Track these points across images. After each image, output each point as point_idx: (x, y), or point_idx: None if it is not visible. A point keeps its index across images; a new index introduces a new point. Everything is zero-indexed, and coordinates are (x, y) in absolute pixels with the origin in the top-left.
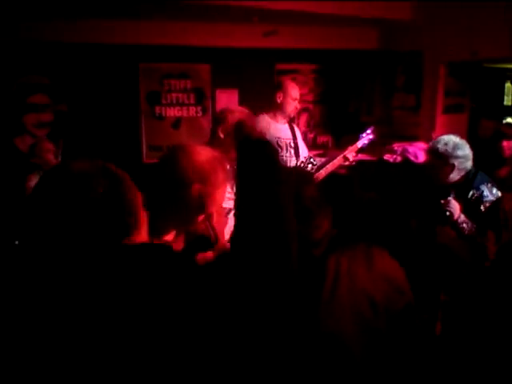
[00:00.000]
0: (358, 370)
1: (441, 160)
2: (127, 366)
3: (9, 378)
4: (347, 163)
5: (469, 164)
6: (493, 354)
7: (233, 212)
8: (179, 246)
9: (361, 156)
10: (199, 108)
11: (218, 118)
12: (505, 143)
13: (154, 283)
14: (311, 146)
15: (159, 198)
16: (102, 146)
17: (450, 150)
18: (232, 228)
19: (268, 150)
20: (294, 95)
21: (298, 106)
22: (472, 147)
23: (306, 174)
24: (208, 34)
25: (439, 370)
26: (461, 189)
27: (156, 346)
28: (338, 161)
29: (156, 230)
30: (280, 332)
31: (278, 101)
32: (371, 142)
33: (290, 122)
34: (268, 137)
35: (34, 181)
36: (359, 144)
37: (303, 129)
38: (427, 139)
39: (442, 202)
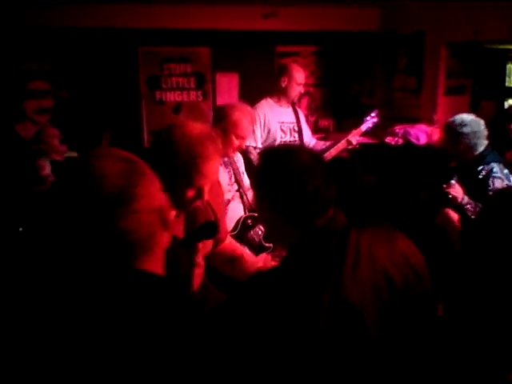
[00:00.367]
0: (372, 346)
1: (449, 136)
2: None
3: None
4: (351, 147)
5: (480, 141)
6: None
7: (230, 203)
8: (179, 227)
9: (362, 139)
10: (199, 92)
11: (218, 116)
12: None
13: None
14: (313, 129)
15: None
16: (103, 131)
17: (457, 126)
18: (230, 218)
19: None
20: (299, 80)
21: (302, 91)
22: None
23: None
24: (207, 17)
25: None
26: (472, 166)
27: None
28: (341, 144)
29: None
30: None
31: (283, 85)
32: (375, 125)
33: (293, 105)
34: (271, 121)
35: (47, 167)
36: (363, 127)
37: (304, 112)
38: (429, 121)
39: (445, 186)
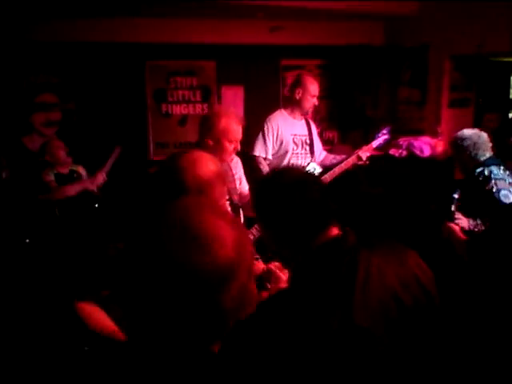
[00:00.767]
0: (382, 368)
1: (453, 150)
2: None
3: None
4: (361, 162)
5: (481, 152)
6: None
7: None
8: None
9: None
10: (205, 105)
11: (205, 127)
12: None
13: None
14: None
15: (159, 202)
16: (110, 144)
17: (457, 140)
18: None
19: None
20: (313, 92)
21: (316, 103)
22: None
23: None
24: (213, 31)
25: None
26: (472, 170)
27: None
28: (351, 159)
29: None
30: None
31: (297, 97)
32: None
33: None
34: (284, 133)
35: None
36: (374, 144)
37: None
38: (432, 133)
39: (447, 224)
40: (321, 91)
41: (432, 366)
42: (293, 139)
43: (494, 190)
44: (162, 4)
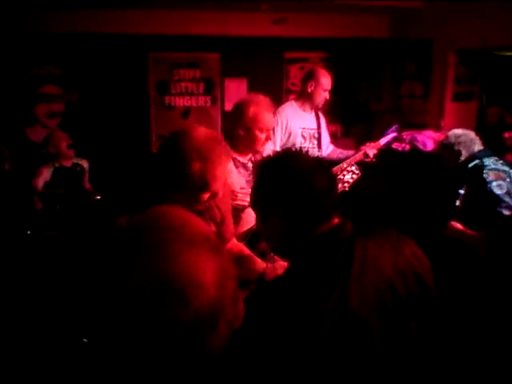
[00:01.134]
0: (376, 355)
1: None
2: None
3: None
4: (368, 159)
5: (467, 149)
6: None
7: (248, 209)
8: None
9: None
10: (208, 98)
11: (235, 115)
12: (507, 134)
13: None
14: None
15: (165, 180)
16: (112, 136)
17: (444, 142)
18: (247, 224)
19: None
20: (325, 86)
21: (328, 97)
22: (480, 135)
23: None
24: (217, 23)
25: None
26: (465, 165)
27: None
28: (358, 156)
29: None
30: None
31: (309, 90)
32: (383, 132)
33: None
34: (293, 126)
35: (44, 174)
36: (382, 141)
37: None
38: (436, 127)
39: (451, 224)
40: None
41: (423, 357)
42: (301, 133)
43: (487, 181)
44: None
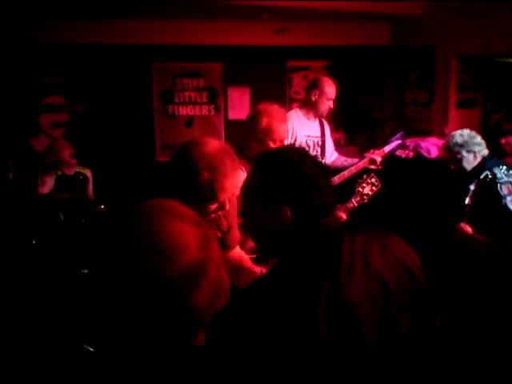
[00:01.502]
0: (369, 348)
1: (449, 154)
2: None
3: None
4: (373, 167)
5: (478, 151)
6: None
7: None
8: None
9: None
10: (212, 107)
11: (248, 126)
12: (503, 140)
13: None
14: None
15: (173, 189)
16: (117, 145)
17: (453, 143)
18: None
19: None
20: (329, 95)
21: (332, 106)
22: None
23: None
24: (219, 33)
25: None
26: (475, 175)
27: None
28: (362, 163)
29: None
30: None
31: (313, 99)
32: (387, 139)
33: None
34: (298, 134)
35: (48, 183)
36: (387, 149)
37: None
38: (439, 134)
39: (460, 226)
40: None
41: (420, 352)
42: (306, 140)
43: (502, 195)
44: (168, 6)
